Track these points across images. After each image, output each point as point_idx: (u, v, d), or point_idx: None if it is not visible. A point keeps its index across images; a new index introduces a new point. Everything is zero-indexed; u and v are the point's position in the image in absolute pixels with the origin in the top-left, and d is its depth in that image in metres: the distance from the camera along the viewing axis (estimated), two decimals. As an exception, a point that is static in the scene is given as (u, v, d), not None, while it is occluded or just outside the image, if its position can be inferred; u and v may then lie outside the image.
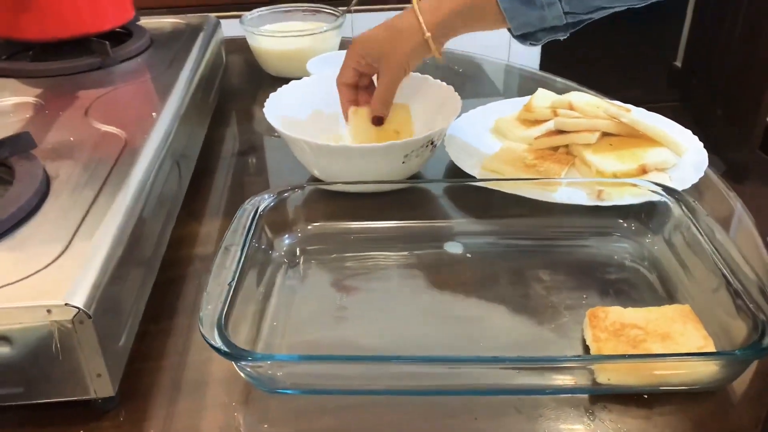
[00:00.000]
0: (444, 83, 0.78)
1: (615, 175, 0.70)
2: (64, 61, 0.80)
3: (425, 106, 0.78)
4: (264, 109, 0.73)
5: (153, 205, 0.57)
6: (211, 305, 0.48)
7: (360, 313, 0.57)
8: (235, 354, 0.45)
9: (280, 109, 0.74)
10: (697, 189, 0.70)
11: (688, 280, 0.57)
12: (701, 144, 0.76)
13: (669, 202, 0.61)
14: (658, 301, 0.55)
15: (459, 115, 0.75)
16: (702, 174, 0.71)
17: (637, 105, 0.84)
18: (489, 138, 0.83)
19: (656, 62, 2.75)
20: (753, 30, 2.12)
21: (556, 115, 0.80)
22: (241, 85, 1.09)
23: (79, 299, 0.42)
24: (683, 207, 0.59)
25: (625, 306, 0.53)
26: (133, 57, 0.83)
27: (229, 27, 1.06)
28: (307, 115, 0.79)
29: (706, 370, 0.47)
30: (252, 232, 0.57)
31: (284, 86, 0.79)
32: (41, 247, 0.47)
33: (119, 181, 0.55)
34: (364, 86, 0.74)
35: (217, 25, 0.98)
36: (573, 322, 0.54)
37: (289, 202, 0.64)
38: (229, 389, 0.50)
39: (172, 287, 0.60)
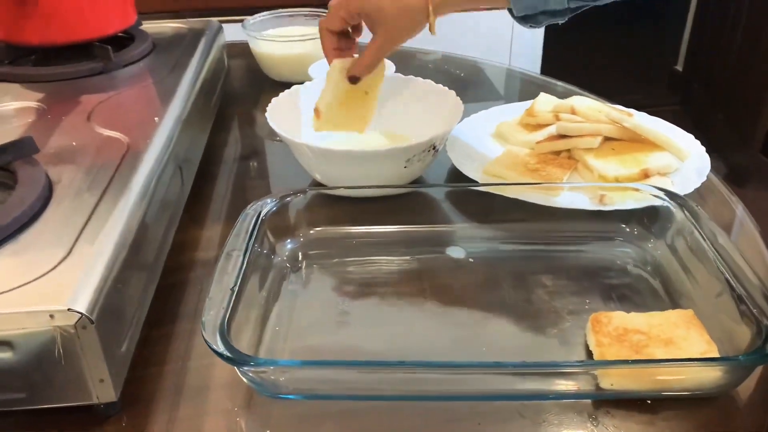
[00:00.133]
0: (446, 88, 0.78)
1: (617, 180, 0.70)
2: (67, 65, 0.80)
3: (427, 111, 0.78)
4: (266, 114, 0.73)
5: (155, 210, 0.57)
6: (213, 310, 0.48)
7: (362, 317, 0.57)
8: (237, 359, 0.45)
9: (282, 114, 0.74)
10: (699, 193, 0.70)
11: (691, 284, 0.56)
12: (703, 148, 0.76)
13: (671, 207, 0.61)
14: (661, 306, 0.55)
15: (461, 120, 0.75)
16: (704, 178, 0.71)
17: (637, 109, 0.84)
18: (491, 142, 0.83)
19: (657, 66, 2.76)
20: (754, 34, 2.13)
21: (558, 119, 0.80)
22: (243, 90, 1.09)
23: (82, 304, 0.42)
24: (686, 211, 0.59)
25: (628, 311, 0.53)
26: (136, 62, 0.83)
27: (232, 31, 1.06)
28: (309, 120, 0.79)
29: (710, 375, 0.46)
30: (254, 236, 0.57)
31: (286, 91, 0.79)
32: (44, 252, 0.47)
33: (121, 186, 0.55)
34: (345, 33, 0.72)
35: (220, 29, 0.99)
36: (576, 327, 0.54)
37: (291, 207, 0.64)
38: (231, 394, 0.50)
39: (175, 292, 0.60)
